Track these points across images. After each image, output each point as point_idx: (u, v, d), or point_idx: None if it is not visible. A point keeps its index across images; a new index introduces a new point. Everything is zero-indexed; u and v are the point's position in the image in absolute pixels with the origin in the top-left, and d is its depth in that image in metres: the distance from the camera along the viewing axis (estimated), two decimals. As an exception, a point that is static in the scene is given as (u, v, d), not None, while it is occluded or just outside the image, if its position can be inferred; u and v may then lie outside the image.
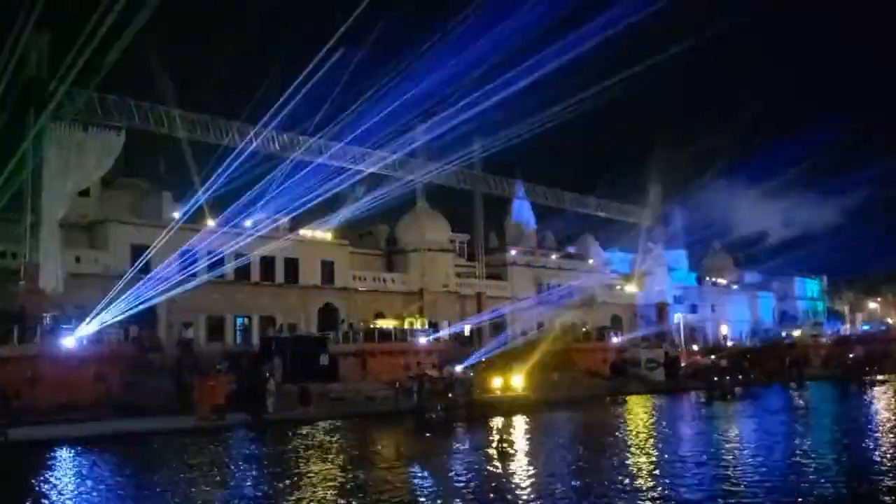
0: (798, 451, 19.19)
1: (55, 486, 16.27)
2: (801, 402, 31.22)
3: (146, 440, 23.19)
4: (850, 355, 56.22)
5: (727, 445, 20.64)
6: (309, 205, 53.57)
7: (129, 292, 42.16)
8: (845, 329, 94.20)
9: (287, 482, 15.87)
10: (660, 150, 70.88)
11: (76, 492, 15.53)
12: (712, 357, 46.66)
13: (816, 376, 51.85)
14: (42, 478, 17.20)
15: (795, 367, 51.26)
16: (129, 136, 42.44)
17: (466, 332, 60.45)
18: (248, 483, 15.85)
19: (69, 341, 30.08)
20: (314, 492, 14.75)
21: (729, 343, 79.11)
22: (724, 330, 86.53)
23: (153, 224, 46.96)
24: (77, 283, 37.45)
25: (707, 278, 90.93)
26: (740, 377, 42.67)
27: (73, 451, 21.14)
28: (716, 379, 41.30)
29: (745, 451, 19.20)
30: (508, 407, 29.93)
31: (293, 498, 14.29)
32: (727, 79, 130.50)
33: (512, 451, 19.14)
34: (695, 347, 63.71)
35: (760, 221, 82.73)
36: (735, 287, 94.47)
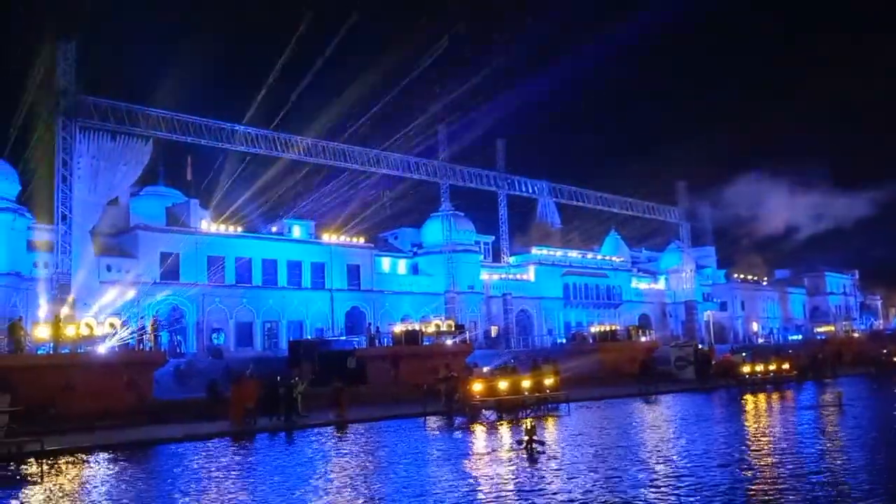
0: (831, 451, 18.91)
1: (91, 494, 16.49)
2: (834, 398, 30.71)
3: (181, 446, 23.42)
4: (884, 351, 55.33)
5: (758, 445, 20.40)
6: (334, 208, 54.35)
7: (159, 299, 42.83)
8: (878, 324, 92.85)
9: (323, 485, 15.96)
10: (688, 146, 70.51)
11: (112, 500, 15.71)
12: (743, 355, 46.09)
13: (849, 372, 51.12)
14: (77, 486, 17.45)
15: (828, 364, 50.60)
16: (157, 144, 43.07)
17: (494, 334, 60.47)
18: (289, 488, 15.94)
19: (102, 349, 30.46)
20: (346, 494, 14.82)
21: (759, 340, 78.34)
22: (755, 327, 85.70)
23: (181, 231, 47.63)
24: (109, 290, 37.84)
25: (736, 275, 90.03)
26: (772, 374, 42.16)
27: (107, 458, 21.41)
28: (747, 376, 40.87)
29: (774, 452, 18.94)
30: (537, 407, 29.87)
31: (325, 500, 14.37)
32: (755, 75, 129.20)
33: (542, 451, 19.07)
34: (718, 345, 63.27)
35: (790, 216, 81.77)
36: (765, 283, 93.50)
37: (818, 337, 74.47)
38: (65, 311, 32.95)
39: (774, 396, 36.66)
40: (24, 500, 15.47)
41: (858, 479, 14.39)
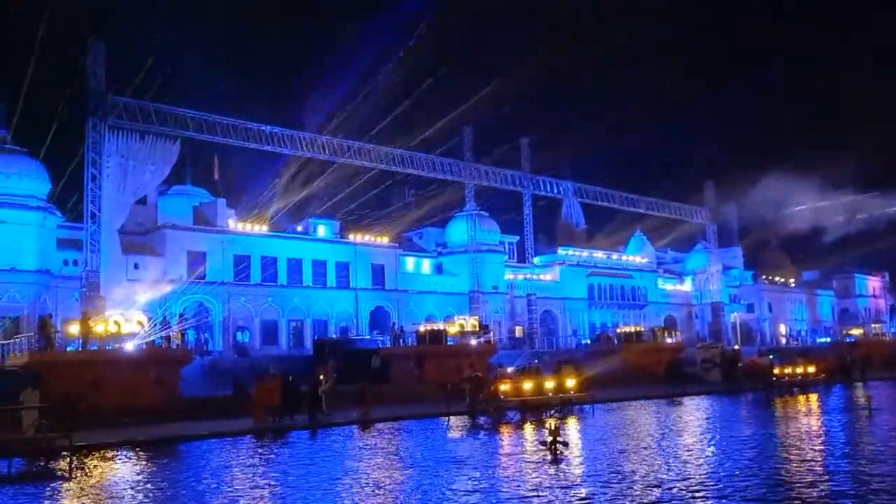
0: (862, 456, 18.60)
1: (118, 490, 16.68)
2: (863, 402, 30.25)
3: (206, 443, 23.64)
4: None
5: (784, 452, 20.14)
6: (359, 208, 54.56)
7: (185, 297, 43.28)
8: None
9: (347, 484, 16.01)
10: (715, 146, 69.60)
11: (139, 496, 15.88)
12: (770, 357, 45.60)
13: (879, 376, 50.39)
14: (105, 482, 17.67)
15: (856, 367, 49.94)
16: (185, 144, 43.48)
17: (518, 334, 60.28)
18: (311, 486, 16.01)
19: (129, 346, 30.81)
20: (368, 495, 14.86)
21: (786, 342, 77.46)
22: (782, 329, 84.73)
23: (208, 230, 48.01)
24: (137, 288, 38.29)
25: (763, 277, 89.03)
26: (800, 377, 41.68)
27: (134, 454, 21.66)
28: (775, 379, 40.45)
29: (802, 456, 18.70)
30: (561, 408, 29.78)
31: (349, 500, 14.41)
32: (781, 72, 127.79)
33: (566, 452, 18.99)
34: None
35: (819, 217, 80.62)
36: (792, 285, 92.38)
37: (847, 340, 73.42)
38: (104, 308, 33.45)
39: (802, 400, 36.24)
40: (53, 495, 15.69)
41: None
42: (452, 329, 44.20)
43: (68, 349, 31.74)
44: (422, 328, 44.16)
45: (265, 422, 26.98)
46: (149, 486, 16.66)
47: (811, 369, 42.79)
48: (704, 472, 16.24)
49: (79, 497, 15.54)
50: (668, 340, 55.72)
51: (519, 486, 15.15)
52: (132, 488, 16.34)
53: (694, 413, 31.07)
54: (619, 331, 56.83)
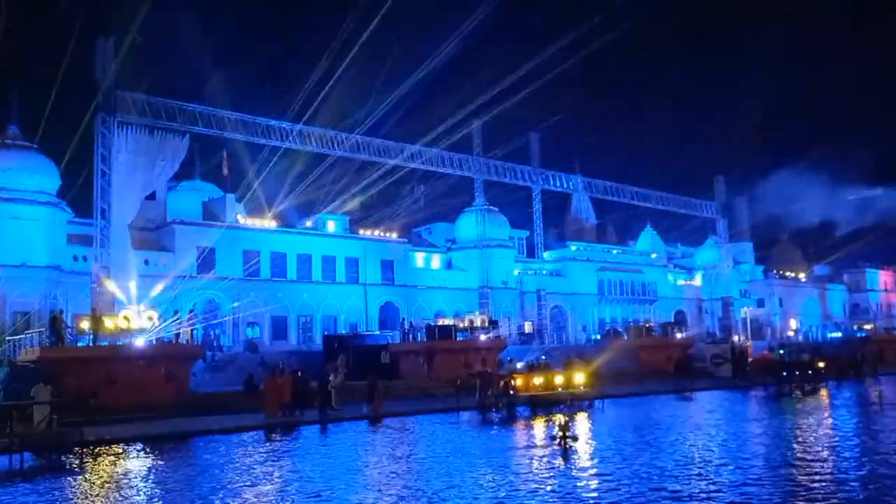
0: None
1: (129, 484, 16.72)
2: (875, 397, 30.08)
3: (217, 438, 23.68)
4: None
5: (796, 447, 20.03)
6: (369, 203, 54.49)
7: (195, 292, 43.36)
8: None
9: (357, 479, 16.01)
10: (726, 139, 69.02)
11: (150, 490, 15.90)
12: (781, 352, 45.37)
13: (891, 371, 50.12)
14: (116, 476, 17.72)
15: (867, 362, 49.66)
16: (194, 139, 43.54)
17: (527, 329, 60.23)
18: (321, 481, 16.01)
19: (140, 342, 30.91)
20: (381, 489, 14.84)
21: (796, 337, 77.12)
22: (793, 324, 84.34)
23: (218, 226, 48.09)
24: (146, 284, 38.37)
25: (774, 271, 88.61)
26: (811, 373, 41.45)
27: (145, 449, 21.71)
28: (785, 374, 40.25)
29: (812, 454, 18.58)
30: (570, 403, 29.74)
31: (359, 496, 14.39)
32: (794, 66, 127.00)
33: (576, 447, 18.97)
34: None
35: (830, 211, 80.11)
36: (804, 280, 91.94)
37: (858, 335, 73.02)
38: (113, 304, 33.47)
39: (812, 395, 36.08)
40: (64, 490, 15.74)
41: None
42: (462, 324, 44.18)
43: (79, 345, 31.86)
44: (431, 324, 44.15)
45: (275, 417, 27.02)
46: (159, 481, 16.70)
47: (822, 364, 42.54)
48: (713, 468, 16.15)
49: (90, 492, 15.58)
50: (678, 335, 55.59)
51: (529, 480, 15.12)
52: (143, 483, 16.38)
53: (704, 408, 30.95)
54: (629, 326, 56.70)
